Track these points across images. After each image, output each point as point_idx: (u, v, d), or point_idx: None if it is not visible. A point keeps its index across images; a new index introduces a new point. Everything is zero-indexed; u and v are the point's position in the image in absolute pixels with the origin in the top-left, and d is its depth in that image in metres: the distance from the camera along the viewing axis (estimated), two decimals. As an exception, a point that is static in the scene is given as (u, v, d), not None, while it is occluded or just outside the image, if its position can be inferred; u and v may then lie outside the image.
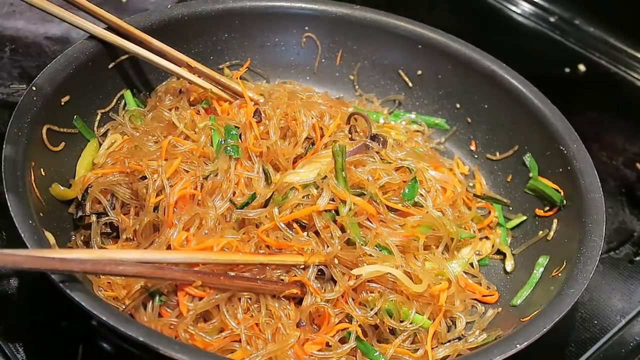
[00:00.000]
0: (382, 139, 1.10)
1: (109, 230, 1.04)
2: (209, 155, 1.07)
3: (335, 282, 0.96)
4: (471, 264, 1.11)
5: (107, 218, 1.03)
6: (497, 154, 1.29)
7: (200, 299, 0.92)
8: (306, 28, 1.36)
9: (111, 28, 1.14)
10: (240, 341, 0.91)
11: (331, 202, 0.98)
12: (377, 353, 0.93)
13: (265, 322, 0.93)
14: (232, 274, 0.95)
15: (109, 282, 0.96)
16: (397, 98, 1.39)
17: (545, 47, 1.74)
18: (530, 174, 1.20)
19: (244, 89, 1.19)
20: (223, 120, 1.12)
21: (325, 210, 0.97)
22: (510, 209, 1.22)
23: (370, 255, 0.96)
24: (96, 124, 1.16)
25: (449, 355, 0.97)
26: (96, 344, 0.86)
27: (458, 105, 1.34)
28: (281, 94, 1.20)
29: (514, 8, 1.83)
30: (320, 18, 1.34)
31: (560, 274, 1.01)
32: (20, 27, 1.45)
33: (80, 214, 1.04)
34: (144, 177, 1.03)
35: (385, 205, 1.02)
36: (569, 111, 1.20)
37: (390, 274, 0.95)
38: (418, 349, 0.96)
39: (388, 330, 0.96)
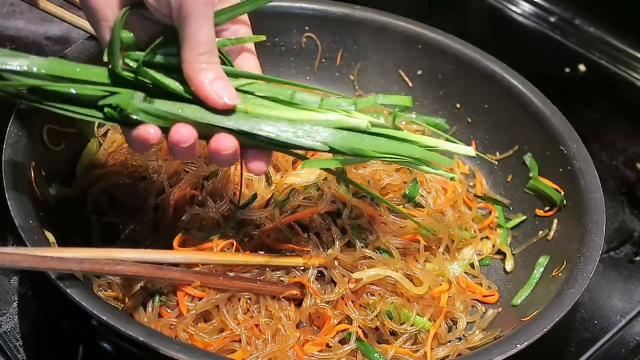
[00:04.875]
0: (382, 140, 1.10)
1: (109, 230, 1.04)
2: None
3: (335, 283, 0.96)
4: (472, 265, 1.11)
5: (107, 218, 1.03)
6: (497, 154, 1.29)
7: (200, 299, 0.92)
8: (306, 28, 1.36)
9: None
10: (240, 341, 0.91)
11: (332, 204, 0.98)
12: (378, 354, 0.93)
13: (265, 323, 0.93)
14: (232, 274, 0.95)
15: (109, 282, 0.96)
16: (397, 98, 1.39)
17: (545, 47, 1.74)
18: (530, 174, 1.20)
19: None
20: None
21: (326, 212, 0.97)
22: (511, 209, 1.22)
23: (371, 257, 0.96)
24: (96, 124, 1.16)
25: (449, 355, 0.97)
26: (96, 344, 0.86)
27: (458, 105, 1.34)
28: (281, 94, 1.20)
29: (514, 8, 1.83)
30: (320, 18, 1.34)
31: (560, 274, 1.01)
32: (21, 27, 1.45)
33: (80, 214, 1.05)
34: (144, 177, 1.04)
35: (386, 206, 1.02)
36: (569, 111, 1.20)
37: (390, 276, 0.95)
38: (419, 350, 0.96)
39: (388, 332, 0.96)
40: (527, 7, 1.83)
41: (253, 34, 0.86)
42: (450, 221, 1.08)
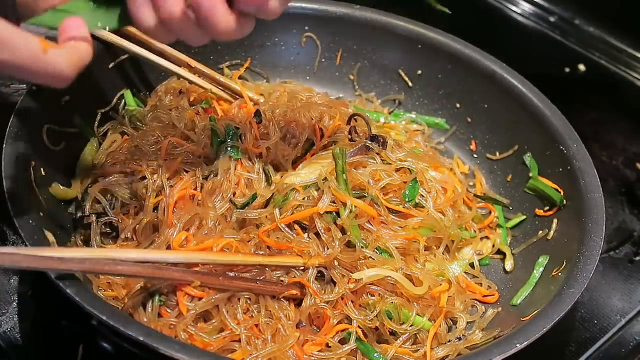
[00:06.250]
0: (382, 140, 1.10)
1: (109, 230, 1.04)
2: (209, 155, 1.07)
3: (335, 283, 0.96)
4: (472, 265, 1.11)
5: (107, 218, 1.03)
6: (497, 154, 1.29)
7: (200, 299, 0.92)
8: (306, 28, 1.36)
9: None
10: (240, 341, 0.91)
11: (332, 204, 0.98)
12: (378, 354, 0.93)
13: (265, 323, 0.93)
14: (232, 274, 0.95)
15: (109, 282, 0.96)
16: (397, 98, 1.39)
17: (545, 47, 1.74)
18: (530, 174, 1.20)
19: (243, 89, 1.19)
20: (223, 120, 1.12)
21: (327, 212, 0.97)
22: (511, 209, 1.22)
23: (371, 258, 0.96)
24: (96, 124, 1.16)
25: (449, 355, 0.97)
26: (96, 344, 0.86)
27: (458, 105, 1.34)
28: (281, 95, 1.20)
29: (514, 8, 1.83)
30: (320, 18, 1.34)
31: (560, 274, 1.01)
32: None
33: (80, 214, 1.05)
34: (144, 178, 1.03)
35: (386, 207, 1.02)
36: (569, 111, 1.20)
37: (390, 277, 0.95)
38: (419, 350, 0.96)
39: (388, 332, 0.96)
40: (527, 7, 1.83)
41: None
42: (450, 221, 1.08)
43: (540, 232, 1.15)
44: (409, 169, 1.08)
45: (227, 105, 1.20)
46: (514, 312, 1.04)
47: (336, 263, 0.96)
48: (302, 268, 0.96)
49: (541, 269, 1.08)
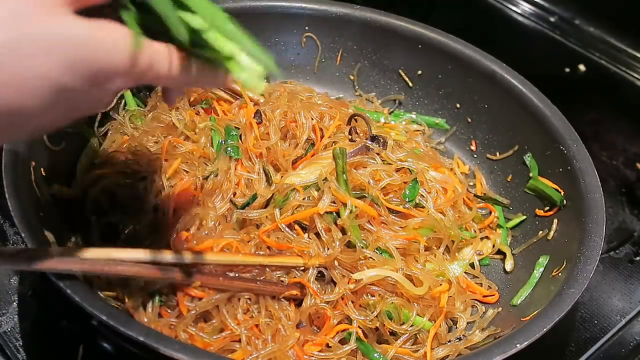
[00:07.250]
0: (382, 140, 1.10)
1: (109, 230, 1.04)
2: (209, 155, 1.07)
3: (335, 283, 0.96)
4: (472, 265, 1.11)
5: (107, 218, 1.03)
6: (497, 154, 1.29)
7: (200, 299, 0.92)
8: (306, 28, 1.36)
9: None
10: (240, 341, 0.91)
11: (332, 204, 0.98)
12: (378, 354, 0.93)
13: (265, 323, 0.93)
14: (232, 274, 0.95)
15: (108, 282, 0.96)
16: (397, 98, 1.39)
17: (545, 47, 1.74)
18: (530, 174, 1.20)
19: (243, 89, 1.19)
20: (223, 120, 1.12)
21: (327, 212, 0.97)
22: (511, 208, 1.22)
23: (371, 258, 0.96)
24: (96, 124, 1.16)
25: (449, 355, 0.97)
26: (96, 344, 0.86)
27: (458, 105, 1.34)
28: (281, 94, 1.20)
29: (514, 8, 1.84)
30: (320, 18, 1.34)
31: (560, 274, 1.01)
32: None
33: (80, 214, 1.04)
34: (144, 178, 1.04)
35: (386, 207, 1.02)
36: (569, 111, 1.20)
37: (390, 277, 0.95)
38: (419, 350, 0.96)
39: (388, 332, 0.96)
40: (527, 7, 1.83)
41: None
42: (451, 221, 1.08)
43: (540, 232, 1.15)
44: (409, 169, 1.08)
45: (227, 105, 1.20)
46: (514, 312, 1.04)
47: (336, 263, 0.96)
48: (302, 268, 0.96)
49: (541, 269, 1.08)
